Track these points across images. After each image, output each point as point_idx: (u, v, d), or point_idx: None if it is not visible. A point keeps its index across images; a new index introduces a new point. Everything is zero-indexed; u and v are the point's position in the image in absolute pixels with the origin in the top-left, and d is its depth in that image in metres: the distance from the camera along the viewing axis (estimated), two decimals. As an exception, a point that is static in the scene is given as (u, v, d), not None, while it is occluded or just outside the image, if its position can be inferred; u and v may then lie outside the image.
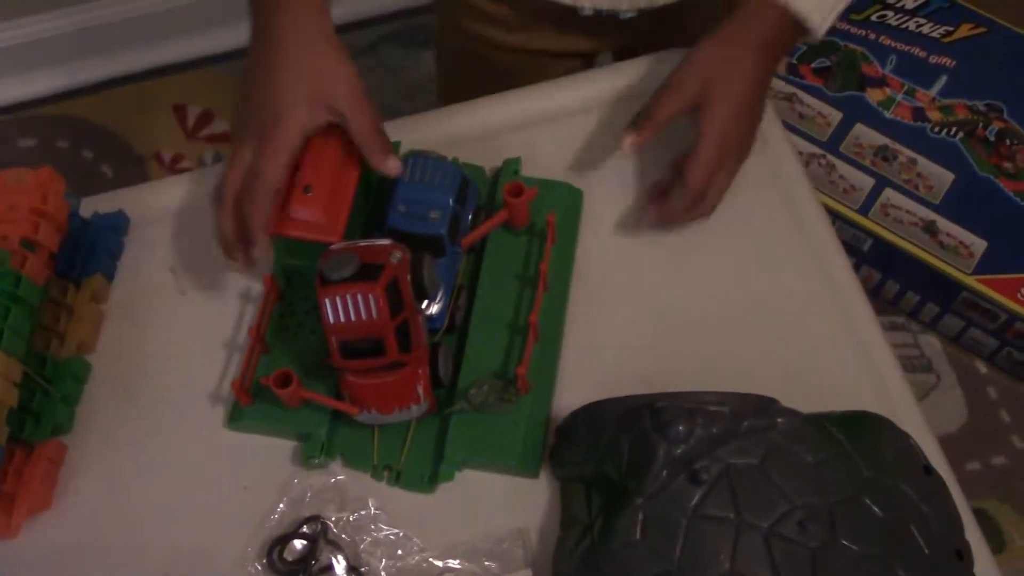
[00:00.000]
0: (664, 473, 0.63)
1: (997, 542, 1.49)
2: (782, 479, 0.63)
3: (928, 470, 0.67)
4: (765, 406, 0.66)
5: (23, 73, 1.83)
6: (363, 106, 0.69)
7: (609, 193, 0.83)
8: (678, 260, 0.80)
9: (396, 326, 0.66)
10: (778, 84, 1.58)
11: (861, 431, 0.67)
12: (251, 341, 0.73)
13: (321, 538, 0.69)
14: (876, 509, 0.63)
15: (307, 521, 0.70)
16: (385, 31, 1.94)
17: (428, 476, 0.72)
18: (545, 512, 0.71)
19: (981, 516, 1.50)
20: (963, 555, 0.65)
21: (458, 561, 0.69)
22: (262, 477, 0.72)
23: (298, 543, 0.69)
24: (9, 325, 0.68)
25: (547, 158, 0.83)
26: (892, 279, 1.57)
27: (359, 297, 0.65)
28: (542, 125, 0.86)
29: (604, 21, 0.90)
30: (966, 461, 1.54)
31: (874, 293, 1.60)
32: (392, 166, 0.71)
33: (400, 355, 0.67)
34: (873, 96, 1.54)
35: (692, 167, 0.73)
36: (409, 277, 0.68)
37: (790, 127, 1.57)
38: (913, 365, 1.61)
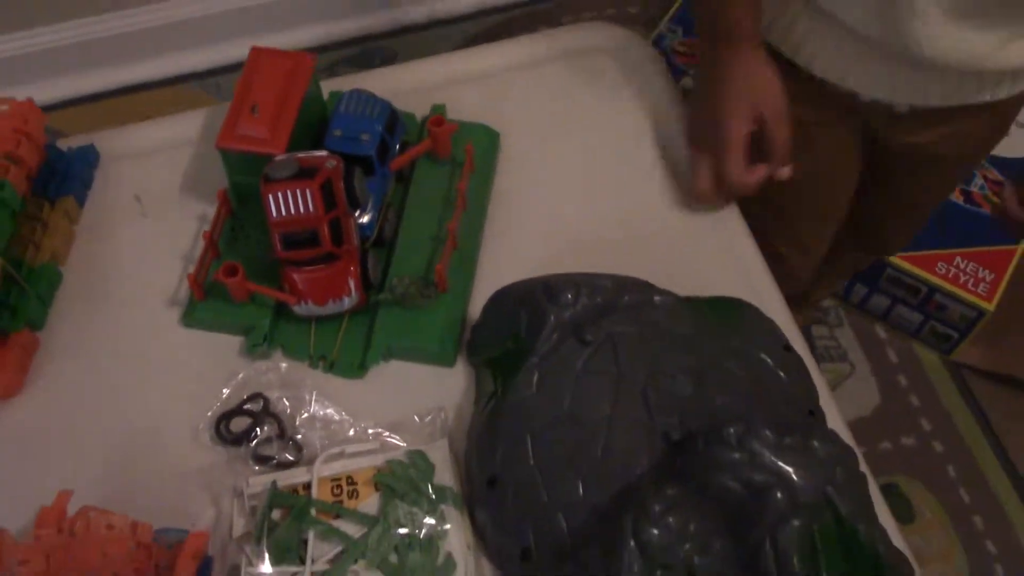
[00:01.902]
0: (555, 336, 0.74)
1: (907, 514, 1.60)
2: (658, 344, 0.74)
3: (788, 348, 0.79)
4: (645, 286, 0.77)
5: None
6: (782, 120, 0.85)
7: (524, 138, 0.94)
8: (584, 190, 0.92)
9: (329, 220, 0.77)
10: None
11: (730, 312, 0.79)
12: (205, 244, 0.83)
13: (263, 413, 0.79)
14: (740, 372, 0.74)
15: (250, 399, 0.79)
16: (344, 55, 2.08)
17: (358, 363, 0.82)
18: (461, 395, 0.81)
19: (892, 490, 1.62)
20: (815, 413, 0.76)
21: (384, 431, 0.78)
22: (212, 367, 0.82)
23: (243, 419, 0.79)
24: (-8, 220, 0.78)
25: (471, 109, 0.95)
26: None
27: (297, 192, 0.76)
28: (468, 83, 0.98)
29: (877, 109, 0.95)
30: (879, 441, 1.65)
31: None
32: (785, 173, 0.87)
33: (333, 247, 0.78)
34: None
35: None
36: (343, 184, 0.79)
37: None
38: (831, 355, 1.73)
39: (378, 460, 0.76)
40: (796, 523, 0.62)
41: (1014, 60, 0.85)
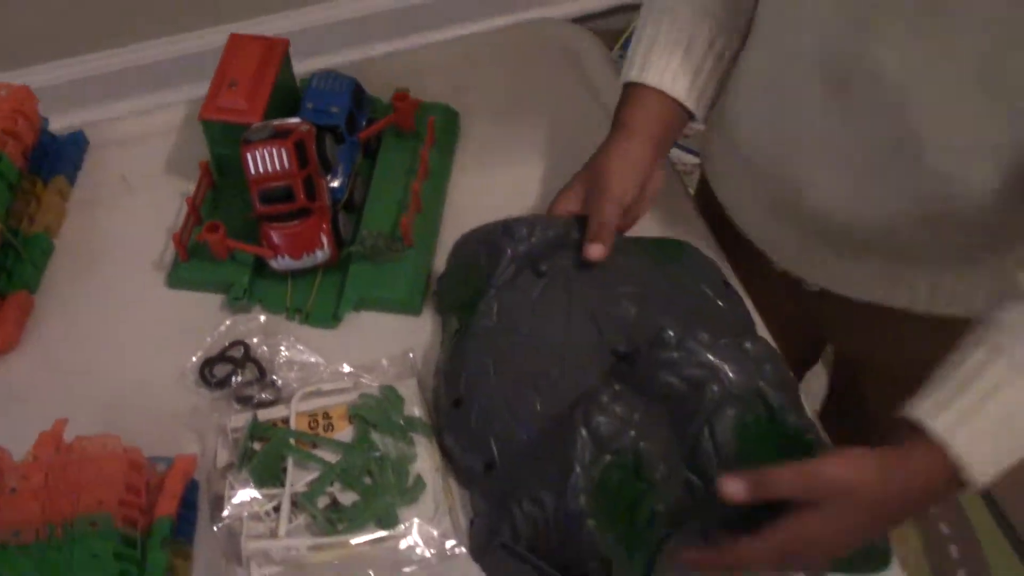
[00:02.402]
0: (512, 268, 0.81)
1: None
2: (606, 274, 0.81)
3: (727, 284, 0.86)
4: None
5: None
6: (608, 201, 0.81)
7: (483, 120, 1.03)
8: (539, 166, 0.99)
9: (303, 177, 0.84)
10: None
11: (673, 249, 0.86)
12: (188, 208, 0.90)
13: (243, 358, 0.85)
14: (681, 298, 0.81)
15: (232, 346, 0.86)
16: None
17: (332, 314, 0.88)
18: (428, 340, 0.88)
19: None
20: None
21: (357, 372, 0.85)
22: (197, 321, 0.88)
23: (226, 365, 0.85)
24: (-10, 189, 0.85)
25: (433, 95, 1.03)
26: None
27: (273, 151, 0.83)
28: (430, 71, 1.06)
29: (788, 282, 0.92)
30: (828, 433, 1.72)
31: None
32: (591, 251, 0.80)
33: (306, 202, 0.85)
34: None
35: (748, 545, 0.66)
36: (315, 148, 0.86)
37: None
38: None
39: (351, 396, 0.82)
40: (731, 412, 0.69)
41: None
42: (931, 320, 0.84)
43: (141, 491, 0.73)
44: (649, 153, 0.84)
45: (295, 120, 0.87)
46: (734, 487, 0.65)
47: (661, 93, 0.85)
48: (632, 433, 0.70)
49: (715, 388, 0.70)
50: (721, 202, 0.94)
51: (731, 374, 0.70)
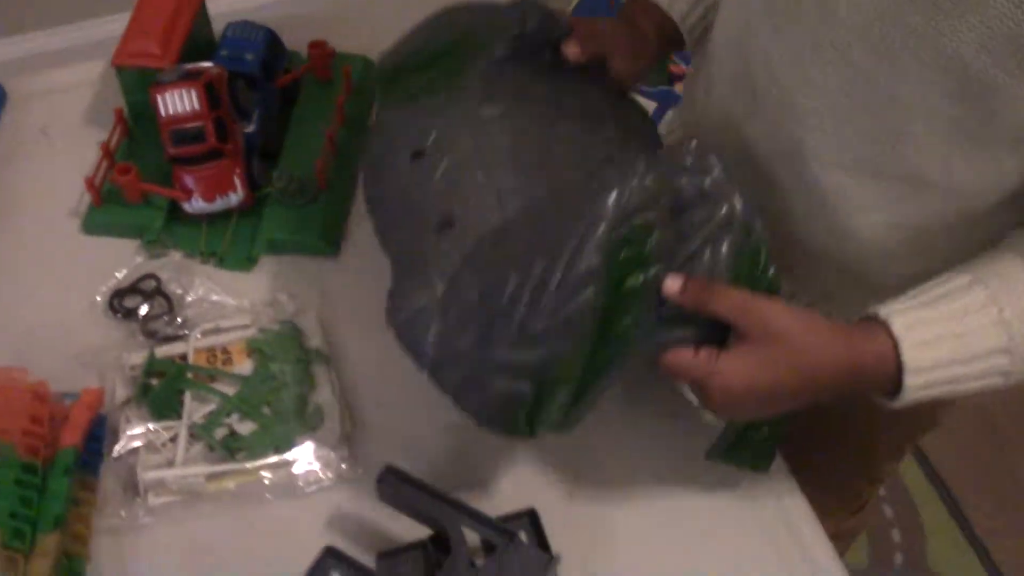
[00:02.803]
0: (510, 44, 0.80)
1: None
2: (593, 104, 0.80)
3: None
4: None
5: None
6: (592, 35, 0.82)
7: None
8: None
9: (214, 119, 0.85)
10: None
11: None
12: (101, 153, 0.91)
13: (154, 292, 0.86)
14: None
15: (143, 279, 0.87)
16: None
17: (246, 256, 0.90)
18: (341, 282, 0.89)
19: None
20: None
21: (257, 308, 0.86)
22: (111, 263, 0.89)
23: (137, 298, 0.86)
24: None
25: (353, 44, 1.04)
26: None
27: (183, 92, 0.84)
28: (353, 24, 1.07)
29: None
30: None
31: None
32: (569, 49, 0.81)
33: (218, 144, 0.86)
34: (680, 88, 1.81)
35: (687, 357, 0.66)
36: (227, 91, 0.88)
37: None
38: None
39: (251, 332, 0.84)
40: (732, 239, 0.66)
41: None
42: None
43: (44, 422, 0.74)
44: (651, 32, 0.85)
45: (207, 64, 0.88)
46: (674, 284, 0.64)
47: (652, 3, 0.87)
48: (652, 215, 0.65)
49: (725, 211, 0.66)
50: None
51: (738, 204, 0.67)
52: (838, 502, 1.11)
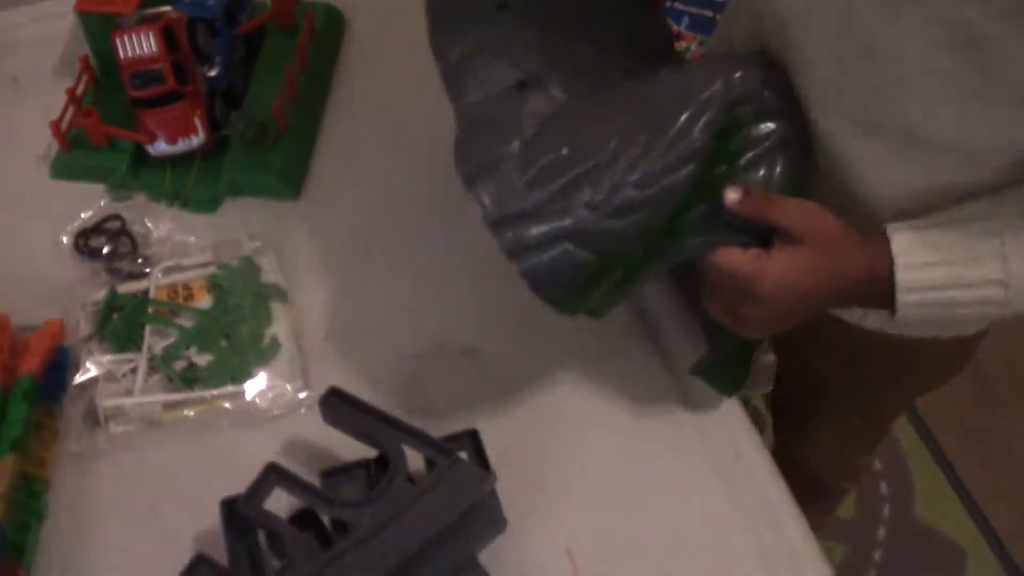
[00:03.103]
0: None
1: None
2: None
3: None
4: None
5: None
6: None
7: (370, 20, 1.06)
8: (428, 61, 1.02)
9: (172, 61, 0.87)
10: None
11: None
12: (68, 98, 0.93)
13: (119, 232, 0.88)
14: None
15: (108, 219, 0.89)
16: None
17: (209, 199, 0.92)
18: (303, 226, 0.91)
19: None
20: None
21: (218, 246, 0.88)
22: (78, 209, 0.91)
23: (102, 238, 0.88)
24: None
25: None
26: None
27: (141, 34, 0.86)
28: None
29: None
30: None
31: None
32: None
33: (177, 86, 0.88)
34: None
35: (739, 255, 0.68)
36: (186, 35, 0.89)
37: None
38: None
39: (212, 270, 0.86)
40: (783, 158, 0.68)
41: None
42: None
43: (3, 350, 0.76)
44: None
45: (166, 8, 0.90)
46: (735, 194, 0.67)
47: None
48: (751, 110, 0.67)
49: (783, 127, 0.68)
50: None
51: (791, 129, 0.69)
52: (849, 448, 1.14)
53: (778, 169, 0.68)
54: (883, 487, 1.66)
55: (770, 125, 0.68)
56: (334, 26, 1.04)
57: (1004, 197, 0.67)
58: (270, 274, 0.86)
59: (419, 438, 0.70)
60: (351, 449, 0.74)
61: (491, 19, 0.70)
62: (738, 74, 0.67)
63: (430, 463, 0.71)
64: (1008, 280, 0.65)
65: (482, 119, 0.68)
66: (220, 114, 0.93)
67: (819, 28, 0.68)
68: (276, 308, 0.84)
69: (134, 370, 0.80)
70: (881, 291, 0.67)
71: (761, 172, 0.68)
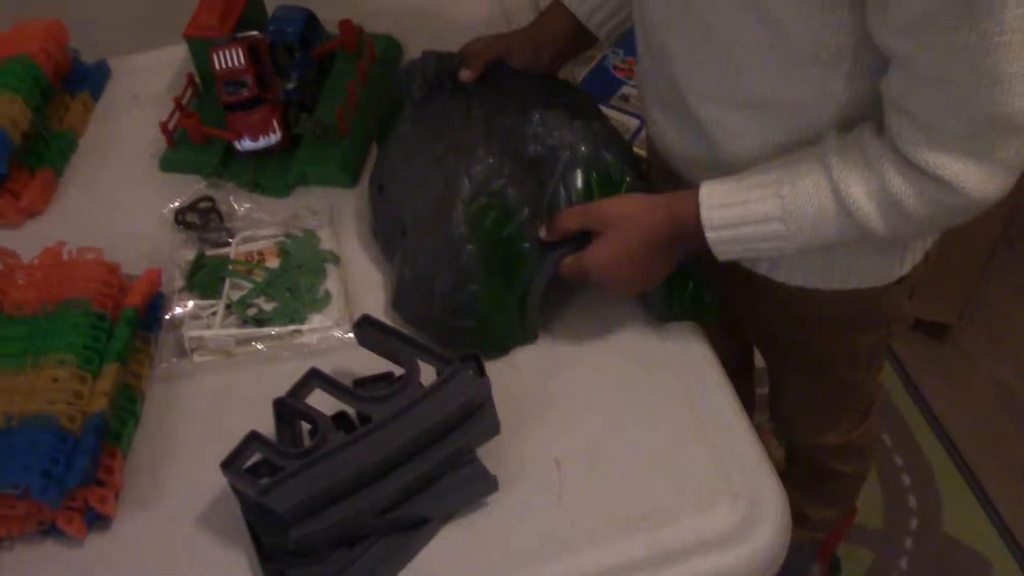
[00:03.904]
0: (424, 88, 1.05)
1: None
2: (498, 94, 1.03)
3: (601, 114, 1.06)
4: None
5: None
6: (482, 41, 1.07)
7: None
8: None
9: (256, 72, 1.08)
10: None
11: (560, 83, 1.09)
12: (174, 105, 1.15)
13: (210, 210, 1.09)
14: (553, 100, 1.00)
15: (202, 199, 1.10)
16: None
17: (283, 186, 1.12)
18: (356, 206, 1.11)
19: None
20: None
21: (287, 222, 1.08)
22: (179, 193, 1.12)
23: (196, 215, 1.09)
24: (25, 85, 1.11)
25: (382, 29, 1.27)
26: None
27: (231, 51, 1.08)
28: (383, 15, 1.30)
29: None
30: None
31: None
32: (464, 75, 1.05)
33: (259, 92, 1.09)
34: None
35: (568, 263, 0.91)
36: (269, 55, 1.11)
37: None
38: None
39: (280, 239, 1.05)
40: (579, 171, 0.91)
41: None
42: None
43: (115, 288, 0.97)
44: (519, 36, 1.08)
45: (253, 32, 1.12)
46: (541, 231, 0.91)
47: (562, 5, 1.07)
48: (502, 181, 0.92)
49: (568, 154, 0.91)
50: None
51: (581, 146, 0.92)
52: (828, 411, 1.26)
53: (578, 184, 0.91)
54: (911, 500, 1.75)
55: (551, 162, 0.92)
56: (392, 52, 1.24)
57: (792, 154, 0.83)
58: (327, 243, 1.05)
59: (430, 352, 0.87)
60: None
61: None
62: (476, 166, 0.92)
63: (439, 374, 0.88)
64: (784, 216, 0.80)
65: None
66: (293, 118, 1.13)
67: (672, 22, 0.86)
68: (330, 269, 1.03)
69: (214, 313, 1.00)
70: (694, 234, 0.84)
71: (561, 192, 0.91)
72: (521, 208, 0.92)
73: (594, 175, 0.91)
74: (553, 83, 1.09)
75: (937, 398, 1.87)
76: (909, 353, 1.93)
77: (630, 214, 0.87)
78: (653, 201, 0.87)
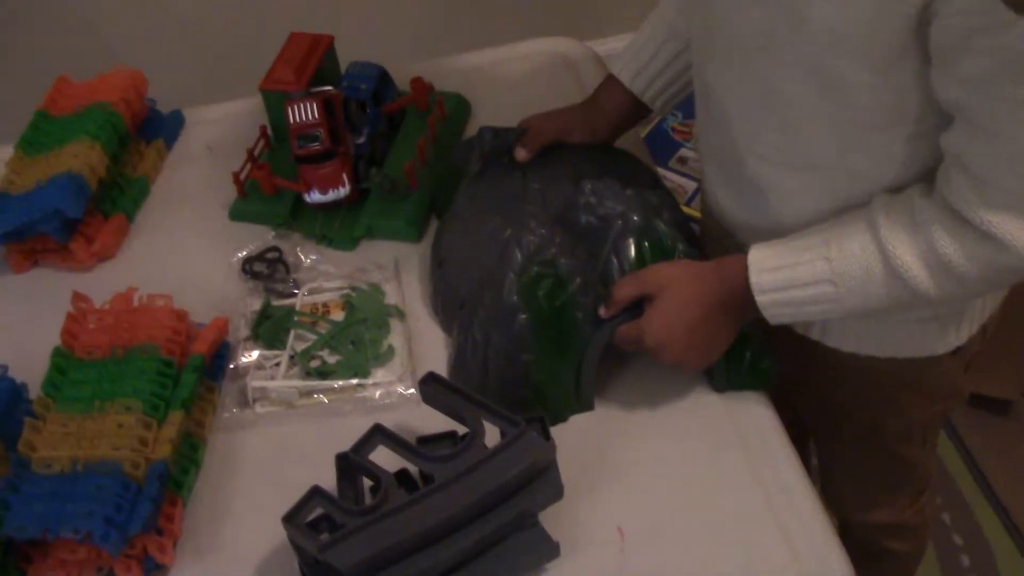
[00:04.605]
0: (481, 162, 1.06)
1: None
2: (554, 166, 1.05)
3: (658, 180, 1.07)
4: None
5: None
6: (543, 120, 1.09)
7: (492, 112, 1.27)
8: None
9: (329, 127, 1.10)
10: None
11: (611, 152, 1.09)
12: (247, 156, 1.17)
13: (277, 261, 1.10)
14: (608, 169, 1.02)
15: (269, 250, 1.11)
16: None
17: (350, 239, 1.13)
18: (420, 261, 1.11)
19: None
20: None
21: (353, 275, 1.08)
22: (248, 243, 1.14)
23: (263, 264, 1.10)
24: (104, 132, 1.14)
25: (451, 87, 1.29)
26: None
27: (307, 104, 1.09)
28: (455, 73, 1.32)
29: None
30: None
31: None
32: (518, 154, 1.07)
33: (331, 146, 1.10)
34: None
35: (624, 331, 0.90)
36: (342, 110, 1.12)
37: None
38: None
39: (346, 292, 1.06)
40: (631, 240, 0.92)
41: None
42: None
43: (183, 335, 0.98)
44: (576, 114, 1.10)
45: (327, 87, 1.13)
46: (602, 310, 0.91)
47: (617, 81, 1.09)
48: (554, 250, 0.94)
49: (620, 223, 0.92)
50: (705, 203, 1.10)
51: (634, 216, 0.92)
52: (880, 487, 1.23)
53: (630, 253, 0.92)
54: (964, 560, 1.70)
55: (603, 231, 0.93)
56: (461, 111, 1.26)
57: (840, 217, 0.83)
58: (392, 297, 1.05)
59: (496, 413, 0.86)
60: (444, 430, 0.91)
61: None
62: (528, 236, 0.94)
63: (504, 435, 0.87)
64: (833, 278, 0.80)
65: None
66: (363, 173, 1.15)
67: (733, 87, 0.87)
68: (394, 323, 1.03)
69: (278, 364, 1.00)
70: (749, 298, 0.84)
71: (613, 262, 0.93)
72: (573, 278, 0.93)
73: (646, 244, 0.92)
74: (609, 152, 1.09)
75: (998, 476, 1.82)
76: (969, 429, 1.89)
77: (682, 277, 0.87)
78: (704, 266, 0.88)
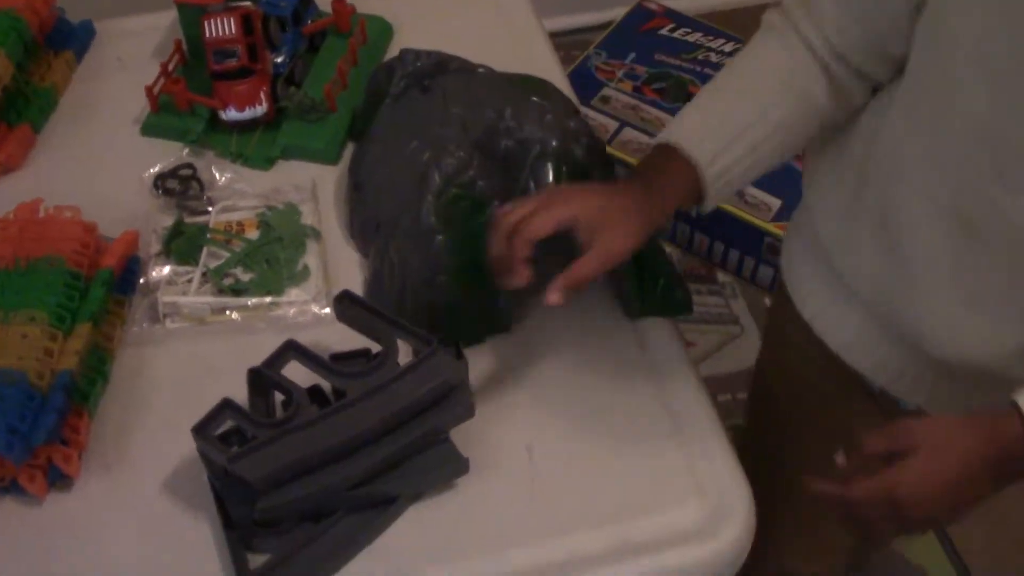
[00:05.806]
0: (402, 83, 1.04)
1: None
2: (476, 93, 1.03)
3: (577, 111, 1.06)
4: (470, 63, 1.07)
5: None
6: (595, 250, 0.79)
7: (415, 38, 1.25)
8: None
9: (247, 43, 1.08)
10: (623, 97, 2.05)
11: (534, 82, 1.08)
12: (160, 70, 1.14)
13: (190, 177, 1.08)
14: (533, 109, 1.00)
15: (183, 166, 1.09)
16: None
17: (266, 158, 1.11)
18: (337, 182, 1.10)
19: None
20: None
21: (268, 194, 1.07)
22: (160, 159, 1.11)
23: (175, 180, 1.08)
24: (8, 38, 1.10)
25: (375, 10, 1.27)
26: (717, 240, 1.97)
27: (224, 19, 1.07)
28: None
29: (886, 401, 0.94)
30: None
31: (707, 255, 2.00)
32: (551, 297, 0.79)
33: (249, 63, 1.08)
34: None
35: (868, 486, 0.74)
36: (260, 26, 1.10)
37: (636, 127, 2.03)
38: (723, 318, 2.00)
39: (262, 211, 1.05)
40: (549, 164, 0.93)
41: None
42: None
43: (91, 247, 0.96)
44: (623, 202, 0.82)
45: (246, 2, 1.11)
46: (840, 458, 0.76)
47: (677, 151, 0.82)
48: (472, 173, 0.94)
49: (538, 147, 0.94)
50: (808, 322, 0.96)
51: (553, 141, 0.94)
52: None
53: (548, 176, 0.93)
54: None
55: (522, 155, 0.94)
56: (382, 34, 1.24)
57: None
58: (308, 217, 1.04)
59: (409, 331, 0.87)
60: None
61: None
62: (447, 158, 0.95)
63: (417, 354, 0.87)
64: None
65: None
66: (281, 92, 1.13)
67: (929, 221, 0.78)
68: (310, 244, 1.02)
69: (190, 280, 0.99)
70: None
71: (531, 185, 0.94)
72: (492, 200, 0.94)
73: (564, 168, 0.93)
74: (530, 81, 1.09)
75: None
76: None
77: (942, 438, 0.74)
78: (966, 424, 0.74)
